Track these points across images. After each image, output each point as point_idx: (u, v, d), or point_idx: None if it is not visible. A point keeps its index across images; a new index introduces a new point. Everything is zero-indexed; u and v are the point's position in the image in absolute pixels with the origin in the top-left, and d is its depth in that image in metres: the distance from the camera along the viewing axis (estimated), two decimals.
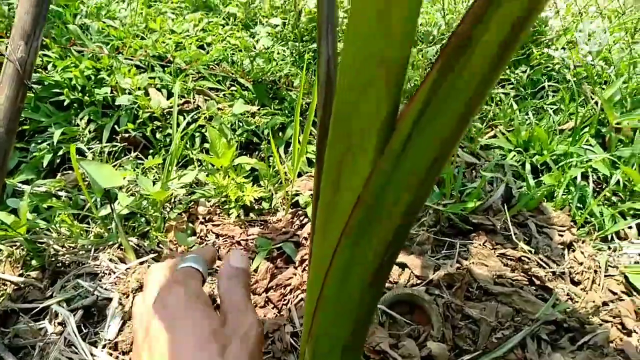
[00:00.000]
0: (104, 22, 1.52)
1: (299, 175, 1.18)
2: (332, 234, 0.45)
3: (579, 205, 1.13)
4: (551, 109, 1.45)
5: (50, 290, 0.89)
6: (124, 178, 1.00)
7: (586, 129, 1.30)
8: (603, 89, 1.48)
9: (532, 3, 0.29)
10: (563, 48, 1.73)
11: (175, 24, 1.62)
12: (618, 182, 1.16)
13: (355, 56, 0.37)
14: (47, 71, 1.30)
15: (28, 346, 0.79)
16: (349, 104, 0.39)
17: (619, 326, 0.93)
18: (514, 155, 1.28)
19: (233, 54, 1.48)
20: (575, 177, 1.14)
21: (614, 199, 1.16)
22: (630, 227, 1.11)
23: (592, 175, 1.19)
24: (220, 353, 0.35)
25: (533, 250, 0.99)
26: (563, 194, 1.15)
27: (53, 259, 0.94)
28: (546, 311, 0.86)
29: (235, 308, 0.40)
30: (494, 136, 1.38)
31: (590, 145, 1.23)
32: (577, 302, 0.92)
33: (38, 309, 0.84)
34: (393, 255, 0.48)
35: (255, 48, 1.40)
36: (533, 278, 0.92)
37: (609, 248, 1.08)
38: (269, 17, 1.58)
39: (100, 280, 0.90)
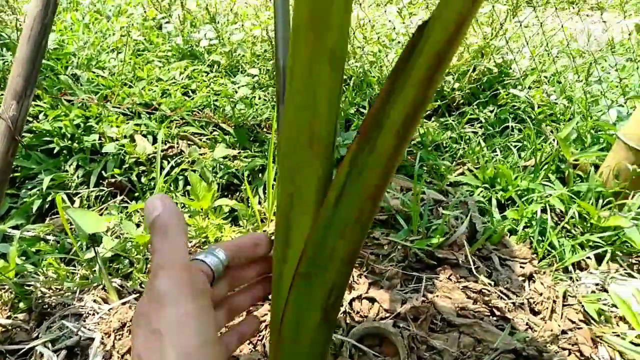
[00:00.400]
0: (93, 72, 1.61)
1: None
2: (286, 277, 0.52)
3: (540, 238, 1.20)
4: (516, 146, 1.55)
5: (37, 332, 0.93)
6: (110, 222, 1.06)
7: (547, 166, 1.38)
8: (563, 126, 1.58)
9: (416, 107, 0.37)
10: (529, 87, 1.84)
11: (162, 72, 1.71)
12: (578, 215, 1.24)
13: (290, 129, 0.45)
14: (38, 120, 1.38)
15: None
16: (289, 165, 0.47)
17: (577, 354, 0.98)
18: (481, 191, 1.36)
19: (216, 100, 1.57)
20: (536, 212, 1.21)
21: (574, 231, 1.23)
22: (589, 258, 1.18)
23: (555, 209, 1.27)
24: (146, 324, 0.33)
25: (494, 283, 1.05)
26: (525, 228, 1.22)
27: (40, 301, 0.99)
28: (504, 340, 0.91)
29: (153, 270, 0.36)
30: (462, 173, 1.46)
31: (550, 181, 1.31)
32: (536, 331, 0.98)
33: (24, 350, 0.88)
34: (338, 298, 0.54)
35: (236, 95, 1.49)
36: (494, 309, 0.98)
37: (571, 279, 1.15)
38: (251, 65, 1.68)
39: (84, 321, 0.95)
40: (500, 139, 1.59)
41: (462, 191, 1.36)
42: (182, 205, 1.23)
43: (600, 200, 1.26)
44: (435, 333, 0.95)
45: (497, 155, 1.53)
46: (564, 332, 1.01)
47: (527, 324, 0.99)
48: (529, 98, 1.73)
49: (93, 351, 0.85)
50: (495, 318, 0.98)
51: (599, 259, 1.21)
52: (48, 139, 1.32)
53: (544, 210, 1.24)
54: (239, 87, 1.51)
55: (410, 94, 0.36)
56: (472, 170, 1.45)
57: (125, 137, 1.33)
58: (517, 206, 1.27)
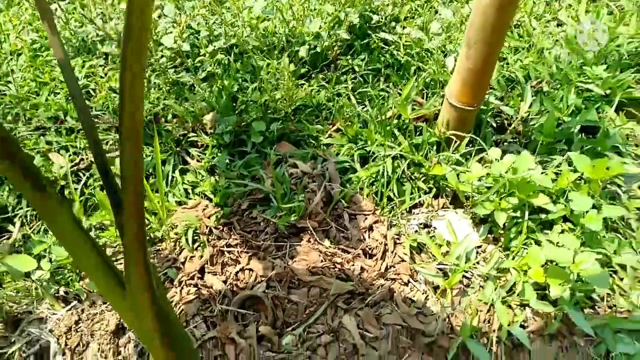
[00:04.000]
0: None
1: (180, 204, 1.56)
2: None
3: (383, 191, 1.52)
4: (381, 95, 1.79)
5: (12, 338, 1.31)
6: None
7: (396, 121, 1.65)
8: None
9: None
10: (402, 27, 2.01)
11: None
12: (416, 164, 1.56)
13: None
14: None
15: None
16: None
17: (400, 282, 1.38)
18: (347, 149, 1.64)
19: (115, 97, 1.76)
20: (379, 168, 1.52)
21: (413, 179, 1.55)
22: (422, 202, 1.53)
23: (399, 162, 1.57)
24: None
25: (337, 240, 1.41)
26: (372, 183, 1.54)
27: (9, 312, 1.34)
28: (339, 286, 1.30)
29: None
30: (337, 130, 1.72)
31: (395, 136, 1.60)
32: (367, 272, 1.36)
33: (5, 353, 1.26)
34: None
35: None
36: (335, 263, 1.35)
37: (408, 221, 1.51)
38: None
39: (45, 324, 1.32)
40: (370, 88, 1.82)
41: (330, 152, 1.65)
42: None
43: (434, 149, 1.57)
44: (293, 289, 1.33)
45: (366, 107, 1.77)
46: (392, 266, 1.40)
47: (361, 267, 1.37)
48: (395, 40, 1.92)
49: (52, 351, 1.23)
50: (337, 270, 1.35)
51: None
52: None
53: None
54: None
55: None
56: (341, 129, 1.71)
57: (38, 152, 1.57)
58: (368, 164, 1.57)
